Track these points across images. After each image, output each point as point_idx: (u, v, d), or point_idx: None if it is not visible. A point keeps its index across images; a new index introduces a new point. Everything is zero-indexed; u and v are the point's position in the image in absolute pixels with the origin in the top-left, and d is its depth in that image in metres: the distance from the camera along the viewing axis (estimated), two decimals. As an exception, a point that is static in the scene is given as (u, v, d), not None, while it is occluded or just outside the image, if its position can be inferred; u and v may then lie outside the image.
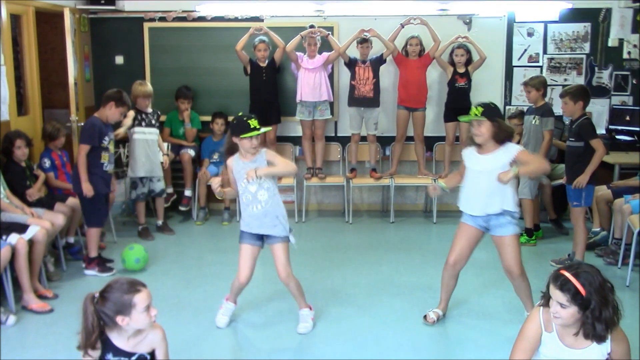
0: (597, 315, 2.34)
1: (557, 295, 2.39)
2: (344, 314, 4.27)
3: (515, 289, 3.97)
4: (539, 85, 5.75)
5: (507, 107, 7.03)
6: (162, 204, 6.29)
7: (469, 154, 3.87)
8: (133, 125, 5.95)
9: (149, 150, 6.05)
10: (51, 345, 3.75)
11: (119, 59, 7.09)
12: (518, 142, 6.40)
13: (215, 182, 3.84)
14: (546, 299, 2.49)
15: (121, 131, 5.79)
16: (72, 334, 3.72)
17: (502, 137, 3.71)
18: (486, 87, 6.93)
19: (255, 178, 3.71)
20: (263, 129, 3.79)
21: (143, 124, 6.04)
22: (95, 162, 4.99)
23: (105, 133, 5.00)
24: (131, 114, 5.87)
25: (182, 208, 6.69)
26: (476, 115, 3.69)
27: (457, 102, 6.60)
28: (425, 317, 4.11)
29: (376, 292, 4.67)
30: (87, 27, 6.92)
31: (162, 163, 6.21)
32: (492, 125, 3.68)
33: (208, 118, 6.92)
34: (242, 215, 3.95)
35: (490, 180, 3.71)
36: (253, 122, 3.73)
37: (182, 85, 6.81)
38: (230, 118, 6.90)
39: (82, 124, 5.28)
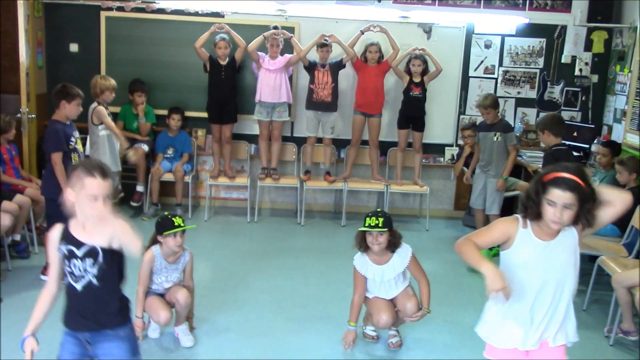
0: (593, 204, 2.45)
1: (565, 197, 2.40)
2: (291, 329, 4.33)
3: (403, 321, 4.10)
4: (494, 103, 5.94)
5: (462, 117, 7.16)
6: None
7: (365, 267, 3.90)
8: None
9: (113, 145, 5.98)
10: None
11: (74, 47, 6.92)
12: (471, 154, 6.63)
13: None
14: (535, 213, 2.50)
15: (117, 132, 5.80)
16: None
17: (396, 245, 3.86)
18: (442, 96, 7.06)
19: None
20: (187, 227, 3.86)
21: (110, 118, 5.93)
22: (66, 166, 4.78)
23: (70, 134, 4.91)
24: (103, 111, 5.76)
25: (133, 204, 6.63)
26: (378, 226, 3.72)
27: (411, 111, 6.73)
28: (364, 334, 4.22)
29: (323, 306, 4.75)
30: (41, 13, 6.71)
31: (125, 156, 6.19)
32: (389, 235, 3.79)
33: (163, 112, 6.85)
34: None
35: (397, 284, 3.95)
36: (177, 220, 3.80)
37: (136, 79, 6.71)
38: (187, 113, 6.91)
39: (45, 131, 5.10)
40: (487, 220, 6.12)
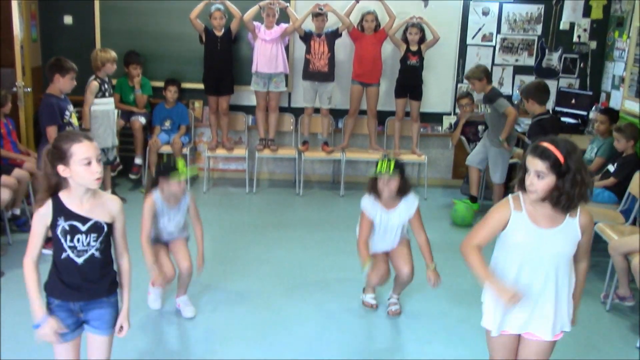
0: (574, 183, 2.38)
1: (535, 164, 2.40)
2: (291, 300, 4.37)
3: (402, 286, 4.15)
4: (480, 75, 5.95)
5: (459, 85, 7.13)
6: (109, 173, 6.20)
7: (374, 210, 3.89)
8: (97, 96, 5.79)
9: (110, 120, 5.94)
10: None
11: (68, 19, 6.85)
12: (468, 122, 6.65)
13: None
14: (520, 183, 2.51)
15: (86, 111, 5.69)
16: (18, 320, 3.77)
17: (405, 192, 3.86)
18: (439, 65, 7.02)
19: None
20: (190, 173, 3.80)
21: (107, 93, 5.89)
22: None
23: (64, 107, 4.91)
24: (93, 88, 5.71)
25: (132, 176, 6.64)
26: (388, 171, 3.72)
27: (408, 80, 6.71)
28: (363, 302, 4.27)
29: (323, 276, 4.79)
30: (34, -16, 6.65)
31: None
32: (400, 182, 3.79)
33: (159, 84, 6.81)
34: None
35: (397, 233, 3.97)
36: (181, 165, 3.77)
37: (131, 51, 6.65)
38: (184, 85, 6.88)
39: (40, 105, 5.06)
40: (488, 186, 6.18)
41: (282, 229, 5.79)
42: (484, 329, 2.74)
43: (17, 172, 5.17)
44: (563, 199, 2.41)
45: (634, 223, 4.84)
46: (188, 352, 3.68)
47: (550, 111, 7.12)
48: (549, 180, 2.40)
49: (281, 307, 4.23)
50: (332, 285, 4.56)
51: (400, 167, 3.78)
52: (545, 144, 2.43)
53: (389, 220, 3.92)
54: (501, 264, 2.62)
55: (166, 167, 3.80)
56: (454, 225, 6.08)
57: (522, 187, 2.52)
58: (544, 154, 2.40)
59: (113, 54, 5.89)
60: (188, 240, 4.12)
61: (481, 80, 5.96)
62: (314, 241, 5.52)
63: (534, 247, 2.52)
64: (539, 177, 2.41)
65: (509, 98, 6.84)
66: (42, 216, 2.45)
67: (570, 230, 2.52)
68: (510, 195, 2.61)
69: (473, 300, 2.84)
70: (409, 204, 3.91)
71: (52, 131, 4.81)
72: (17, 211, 5.32)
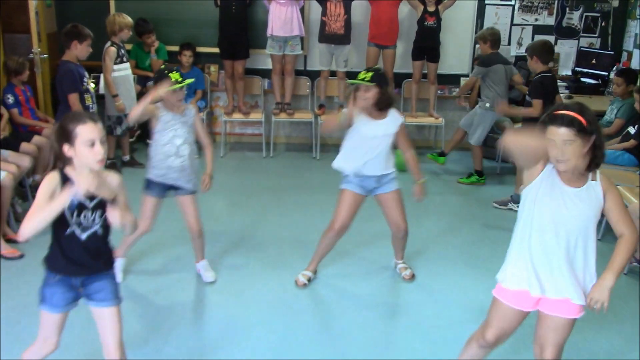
0: (599, 143, 2.42)
1: (561, 133, 2.37)
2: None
3: (402, 245, 4.19)
4: (485, 36, 5.95)
5: (477, 47, 7.02)
6: (128, 139, 6.25)
7: (363, 119, 3.78)
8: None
9: (130, 86, 5.96)
10: (23, 296, 3.80)
11: (82, -17, 6.83)
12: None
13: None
14: (543, 159, 2.47)
15: (108, 78, 5.70)
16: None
17: (384, 104, 3.76)
18: (457, 26, 6.92)
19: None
20: (185, 82, 3.70)
21: (125, 59, 5.89)
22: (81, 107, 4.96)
23: (83, 74, 4.95)
24: (112, 53, 5.71)
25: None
26: (365, 79, 3.65)
27: (425, 41, 6.63)
28: (296, 281, 4.13)
29: (341, 240, 4.79)
30: (47, -52, 6.59)
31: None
32: (378, 92, 3.69)
33: (174, 48, 6.79)
34: (154, 164, 3.82)
35: (385, 144, 3.83)
36: (174, 75, 3.66)
37: (139, 19, 6.54)
38: (199, 49, 6.86)
39: (58, 73, 5.07)
40: (479, 152, 6.15)
41: (300, 193, 5.82)
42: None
43: (36, 139, 5.22)
44: (597, 158, 2.44)
45: (654, 185, 4.79)
46: (209, 316, 3.75)
47: (571, 71, 7.05)
48: (578, 144, 2.38)
49: (300, 270, 4.25)
50: (351, 249, 4.59)
51: (379, 77, 3.69)
52: (564, 112, 2.39)
53: (376, 129, 3.78)
54: (525, 225, 2.56)
55: (159, 77, 3.67)
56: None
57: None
58: (568, 121, 2.37)
59: (129, 19, 5.88)
60: (196, 194, 3.96)
61: (485, 42, 5.90)
62: (331, 205, 5.50)
63: (559, 204, 2.48)
64: (566, 145, 2.38)
65: (523, 58, 6.75)
66: (52, 184, 2.42)
67: (593, 192, 2.50)
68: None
69: (490, 265, 2.84)
70: (394, 119, 3.83)
71: (74, 98, 4.87)
72: (38, 177, 5.38)
